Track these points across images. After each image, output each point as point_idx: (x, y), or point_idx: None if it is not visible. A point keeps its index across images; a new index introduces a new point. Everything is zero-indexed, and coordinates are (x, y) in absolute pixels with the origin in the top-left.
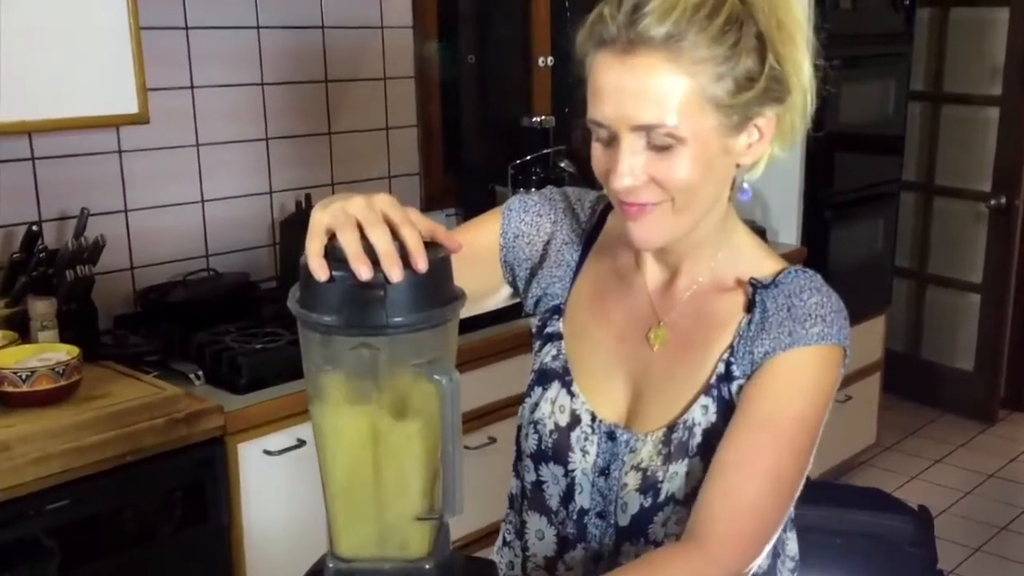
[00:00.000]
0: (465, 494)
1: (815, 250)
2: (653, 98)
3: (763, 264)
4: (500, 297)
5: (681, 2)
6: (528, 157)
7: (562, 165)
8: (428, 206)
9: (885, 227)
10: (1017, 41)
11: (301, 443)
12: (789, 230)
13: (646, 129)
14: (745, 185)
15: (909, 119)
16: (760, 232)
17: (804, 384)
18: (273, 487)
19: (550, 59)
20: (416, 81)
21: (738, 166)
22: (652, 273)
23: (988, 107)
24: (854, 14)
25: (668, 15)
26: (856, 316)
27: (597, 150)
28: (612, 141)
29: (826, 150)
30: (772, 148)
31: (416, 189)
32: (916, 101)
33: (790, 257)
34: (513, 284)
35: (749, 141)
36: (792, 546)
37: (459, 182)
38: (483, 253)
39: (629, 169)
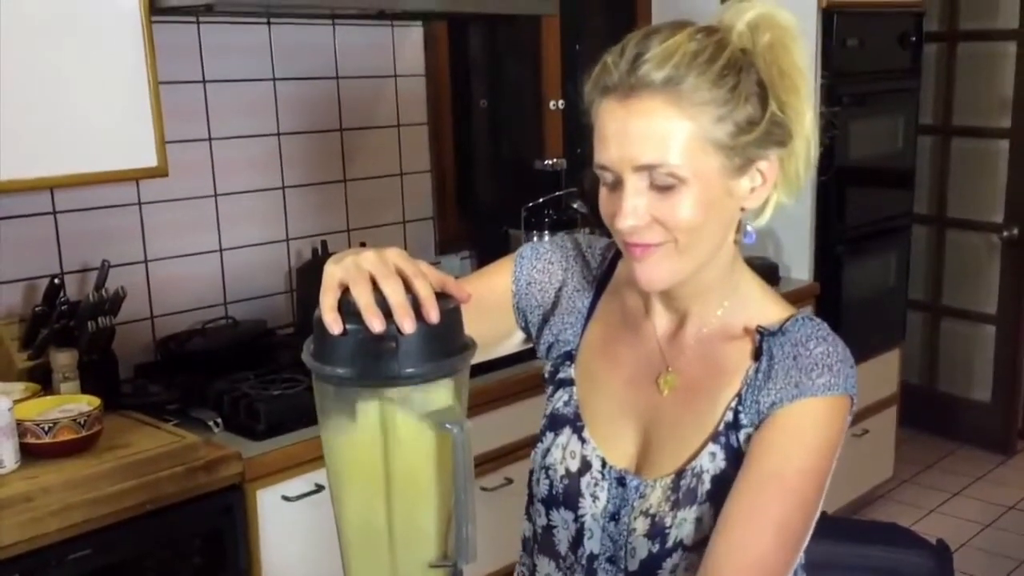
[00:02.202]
0: (478, 541)
1: (828, 285)
2: (655, 139)
3: (770, 311)
4: (512, 343)
5: (680, 48)
6: (541, 199)
7: (575, 206)
8: (442, 250)
9: (898, 260)
10: None
11: (319, 488)
12: (801, 266)
13: (648, 169)
14: (749, 228)
15: (919, 153)
16: (772, 269)
17: (810, 436)
18: (291, 533)
19: (561, 102)
20: (429, 127)
21: (743, 210)
22: (661, 319)
23: (998, 139)
24: (862, 51)
25: (668, 60)
26: (871, 350)
27: (603, 194)
28: (617, 184)
29: (837, 186)
30: (778, 195)
31: (430, 233)
32: (926, 135)
33: (803, 293)
34: (526, 330)
35: (752, 185)
36: None
37: (473, 225)
38: (496, 300)
39: (632, 209)
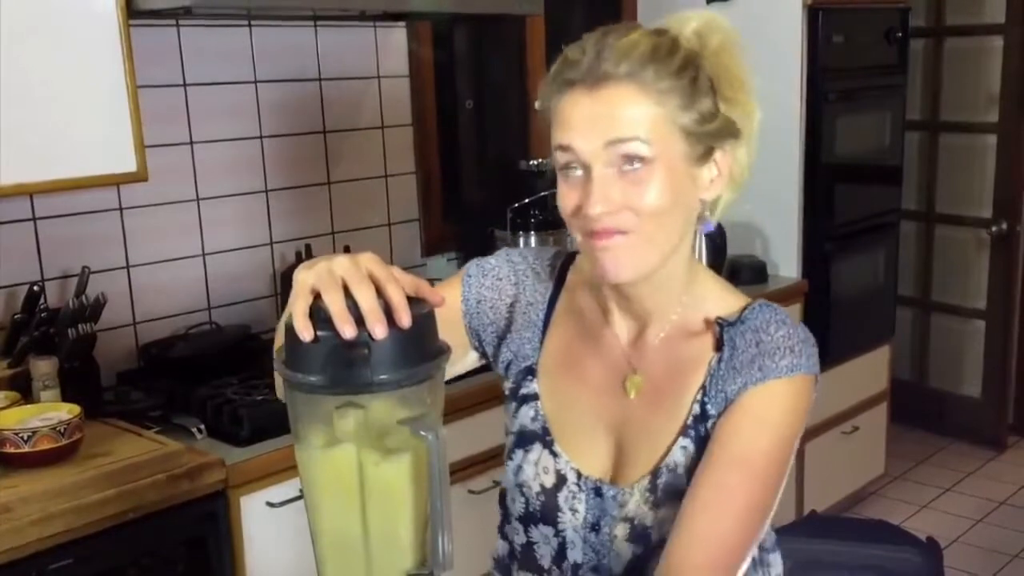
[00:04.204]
0: (466, 545)
1: (816, 283)
2: (624, 118)
3: (727, 302)
4: (467, 363)
5: (640, 44)
6: (526, 200)
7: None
8: (428, 251)
9: (886, 257)
10: (1012, 68)
11: (303, 494)
12: (789, 263)
13: (618, 143)
14: (707, 213)
15: (907, 148)
16: (760, 267)
17: (775, 417)
18: (276, 539)
19: None
20: (414, 128)
21: (701, 201)
22: (621, 324)
23: (986, 134)
24: (847, 48)
25: (630, 53)
26: (860, 346)
27: (563, 188)
28: (584, 172)
29: (825, 183)
30: (726, 192)
31: (416, 235)
32: (913, 131)
33: (791, 291)
34: (480, 349)
35: (711, 176)
36: (777, 568)
37: (459, 227)
38: (447, 318)
39: (603, 197)
